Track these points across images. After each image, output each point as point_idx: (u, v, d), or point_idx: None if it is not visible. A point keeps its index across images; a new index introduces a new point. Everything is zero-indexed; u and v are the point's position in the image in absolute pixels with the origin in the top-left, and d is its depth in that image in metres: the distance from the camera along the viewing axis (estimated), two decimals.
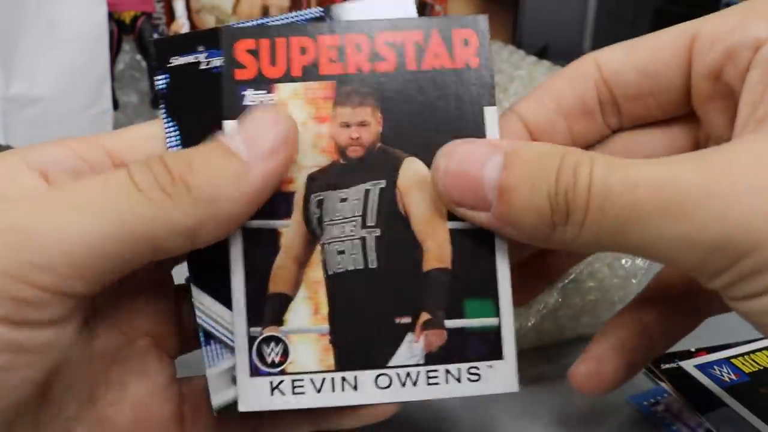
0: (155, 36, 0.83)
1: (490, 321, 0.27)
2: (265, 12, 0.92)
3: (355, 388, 0.26)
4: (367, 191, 0.26)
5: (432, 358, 0.26)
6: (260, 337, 0.26)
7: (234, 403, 0.26)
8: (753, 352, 0.42)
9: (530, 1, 1.08)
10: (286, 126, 0.24)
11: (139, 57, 0.91)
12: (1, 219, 0.19)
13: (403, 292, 0.26)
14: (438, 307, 0.26)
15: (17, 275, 0.18)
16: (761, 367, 0.40)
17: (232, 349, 0.26)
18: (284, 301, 0.26)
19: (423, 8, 0.86)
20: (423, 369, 0.26)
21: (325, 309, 0.26)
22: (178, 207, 0.20)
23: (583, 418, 0.36)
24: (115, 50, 0.81)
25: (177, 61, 0.27)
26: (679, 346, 0.43)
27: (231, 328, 0.25)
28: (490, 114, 0.27)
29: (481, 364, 0.26)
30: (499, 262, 0.26)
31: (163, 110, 0.27)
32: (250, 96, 0.26)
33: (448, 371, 0.26)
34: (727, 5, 1.15)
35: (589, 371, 0.29)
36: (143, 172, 0.21)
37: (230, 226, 0.23)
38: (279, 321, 0.26)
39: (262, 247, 0.26)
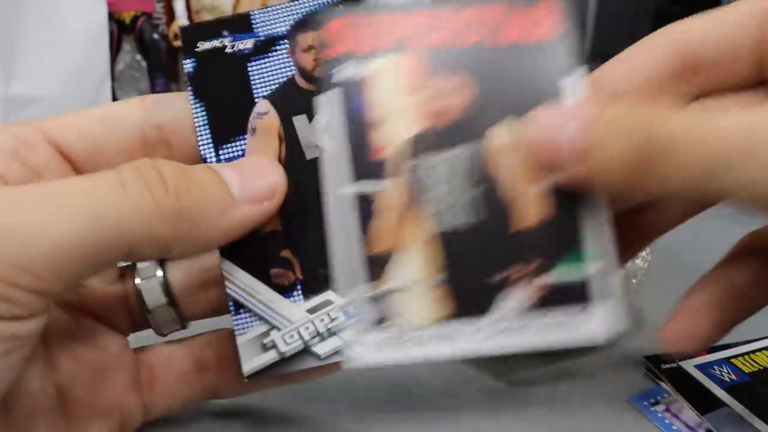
0: (155, 35, 0.83)
1: (581, 273, 0.28)
2: None
3: (455, 340, 0.27)
4: (460, 155, 0.28)
5: (529, 310, 0.28)
6: (369, 295, 0.27)
7: (263, 369, 0.26)
8: (753, 352, 0.42)
9: None
10: (277, 179, 0.25)
11: (139, 57, 0.91)
12: None
13: (499, 248, 0.28)
14: (529, 261, 0.28)
15: (7, 280, 0.18)
16: (761, 367, 0.40)
17: (260, 318, 0.27)
18: (387, 259, 0.27)
19: None
20: (519, 321, 0.28)
21: (433, 264, 0.27)
22: (164, 218, 0.21)
23: (584, 417, 0.36)
24: (115, 50, 0.81)
25: (203, 45, 0.27)
26: (664, 348, 0.43)
27: (259, 297, 0.26)
28: (572, 82, 0.29)
29: (571, 315, 0.28)
30: (591, 216, 0.28)
31: (191, 93, 0.28)
32: (343, 71, 0.27)
33: (542, 322, 0.28)
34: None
35: (683, 326, 0.30)
36: (135, 177, 0.21)
37: (201, 249, 0.25)
38: (384, 279, 0.27)
39: (358, 211, 0.27)
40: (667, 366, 0.40)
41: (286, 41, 0.28)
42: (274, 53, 0.27)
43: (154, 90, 0.85)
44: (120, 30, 0.82)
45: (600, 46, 2.04)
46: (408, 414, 0.35)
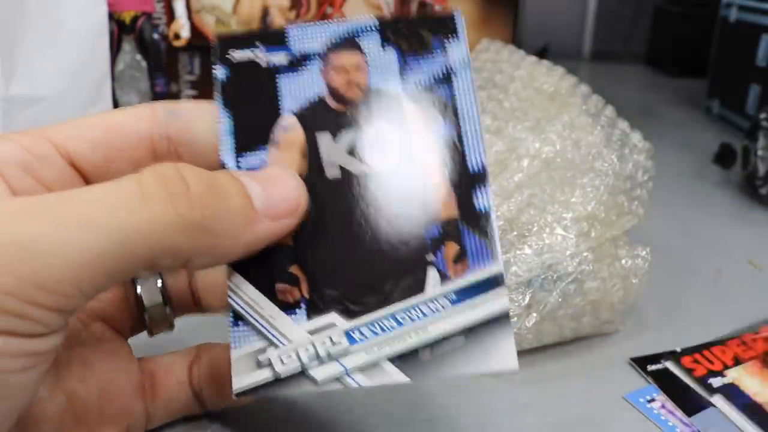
0: (155, 35, 0.83)
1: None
2: (266, 12, 0.92)
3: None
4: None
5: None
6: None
7: (254, 388, 0.25)
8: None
9: (530, 1, 1.08)
10: (300, 196, 0.24)
11: (139, 57, 0.91)
12: (1, 231, 0.18)
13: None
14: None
15: (21, 295, 0.18)
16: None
17: (259, 333, 0.26)
18: None
19: (423, 8, 0.86)
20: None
21: None
22: (185, 231, 0.20)
23: (582, 416, 0.36)
24: (115, 50, 0.81)
25: (236, 55, 0.28)
26: (664, 347, 0.43)
27: (261, 312, 0.26)
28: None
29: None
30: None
31: (219, 99, 0.28)
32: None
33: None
34: (728, 6, 1.15)
35: None
36: (157, 186, 0.20)
37: (219, 262, 0.24)
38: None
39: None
40: (653, 368, 0.40)
41: (318, 59, 0.28)
42: (305, 70, 0.28)
43: (153, 90, 0.85)
44: (120, 30, 0.82)
45: (600, 46, 2.04)
46: (409, 414, 0.35)
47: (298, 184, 0.25)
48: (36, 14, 0.70)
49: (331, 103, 0.27)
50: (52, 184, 0.23)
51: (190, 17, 0.91)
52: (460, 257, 0.26)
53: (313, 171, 0.27)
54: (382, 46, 0.29)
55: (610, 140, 0.48)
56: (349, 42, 0.29)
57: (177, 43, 0.90)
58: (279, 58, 0.28)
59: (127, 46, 0.89)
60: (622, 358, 0.42)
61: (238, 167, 0.26)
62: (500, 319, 0.26)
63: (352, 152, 0.27)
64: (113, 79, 0.79)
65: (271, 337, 0.26)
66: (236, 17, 0.94)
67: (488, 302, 0.26)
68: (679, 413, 0.36)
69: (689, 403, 0.36)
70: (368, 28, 0.29)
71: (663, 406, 0.36)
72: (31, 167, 0.23)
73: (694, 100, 1.32)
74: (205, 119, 0.27)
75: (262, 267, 0.26)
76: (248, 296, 0.26)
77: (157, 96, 0.85)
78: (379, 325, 0.26)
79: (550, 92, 0.51)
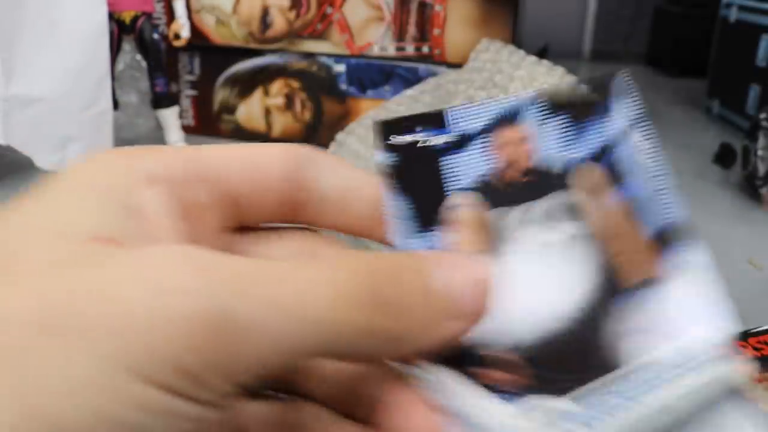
0: (155, 36, 0.83)
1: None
2: (265, 12, 0.92)
3: None
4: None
5: None
6: None
7: None
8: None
9: (530, 1, 1.08)
10: (490, 297, 0.21)
11: (139, 57, 0.91)
12: (211, 297, 0.16)
13: None
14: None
15: (223, 372, 0.16)
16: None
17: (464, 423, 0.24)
18: None
19: (423, 8, 0.87)
20: None
21: None
22: (370, 338, 0.18)
23: None
24: (115, 50, 0.81)
25: (398, 139, 0.27)
26: None
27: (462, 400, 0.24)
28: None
29: None
30: None
31: (387, 185, 0.27)
32: None
33: None
34: (728, 6, 1.14)
35: None
36: (351, 286, 0.18)
37: (390, 360, 0.21)
38: None
39: None
40: None
41: (480, 137, 0.27)
42: (469, 149, 0.27)
43: (154, 90, 0.85)
44: (120, 30, 0.81)
45: (600, 46, 2.04)
46: None
47: (486, 272, 0.21)
48: (36, 14, 0.70)
49: (499, 180, 0.27)
50: (208, 206, 0.21)
51: (190, 17, 0.91)
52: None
53: (488, 250, 0.26)
54: (546, 118, 0.28)
55: None
56: (511, 117, 0.28)
57: (177, 43, 0.90)
58: (441, 139, 0.27)
59: (127, 46, 0.89)
60: None
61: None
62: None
63: (524, 228, 0.26)
64: (113, 79, 0.79)
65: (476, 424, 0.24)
66: (236, 17, 0.94)
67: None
68: None
69: None
70: (529, 102, 0.28)
71: None
72: (182, 187, 0.21)
73: (694, 100, 1.32)
74: (342, 176, 0.24)
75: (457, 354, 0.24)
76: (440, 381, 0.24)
77: (157, 96, 0.85)
78: (600, 403, 0.24)
79: None
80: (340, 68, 0.92)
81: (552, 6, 1.98)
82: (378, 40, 0.89)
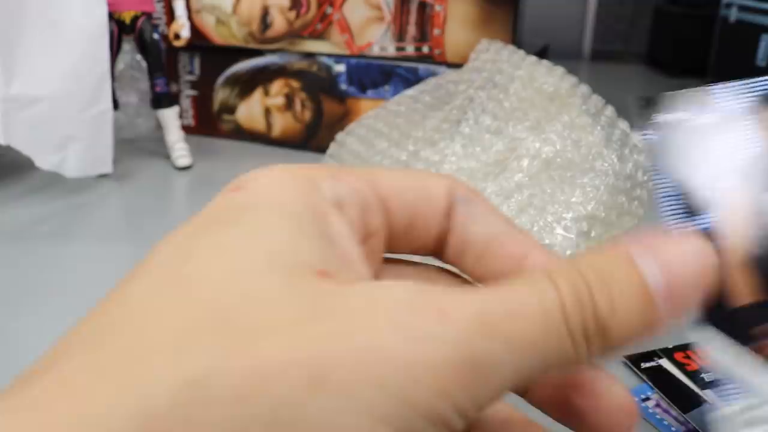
0: (155, 36, 0.83)
1: None
2: (265, 12, 0.92)
3: None
4: None
5: None
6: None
7: None
8: None
9: (530, 1, 1.08)
10: (707, 268, 0.19)
11: (139, 57, 0.91)
12: (462, 343, 0.15)
13: None
14: None
15: (466, 412, 0.16)
16: None
17: (742, 391, 0.24)
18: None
19: (423, 8, 0.86)
20: None
21: None
22: (581, 358, 0.17)
23: None
24: (115, 50, 0.81)
25: (664, 117, 0.27)
26: (658, 344, 0.43)
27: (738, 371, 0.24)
28: None
29: None
30: None
31: (652, 162, 0.26)
32: None
33: None
34: (728, 6, 1.14)
35: None
36: (573, 313, 0.17)
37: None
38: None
39: None
40: (647, 365, 0.40)
41: (748, 116, 0.27)
42: (737, 129, 0.27)
43: (154, 90, 0.85)
44: (120, 30, 0.81)
45: (600, 47, 2.04)
46: None
47: (701, 250, 0.19)
48: (36, 14, 0.70)
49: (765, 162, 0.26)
50: (378, 232, 0.20)
51: (190, 17, 0.91)
52: None
53: (762, 230, 0.26)
54: None
55: (610, 140, 0.48)
56: None
57: (177, 43, 0.90)
58: (707, 118, 0.27)
59: (127, 46, 0.89)
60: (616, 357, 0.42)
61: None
62: None
63: None
64: (113, 79, 0.79)
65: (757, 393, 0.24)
66: (236, 17, 0.94)
67: None
68: (674, 411, 0.36)
69: (684, 400, 0.36)
70: None
71: (658, 405, 0.36)
72: (365, 213, 0.19)
73: None
74: (491, 224, 0.22)
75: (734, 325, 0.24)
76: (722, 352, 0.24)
77: (157, 96, 0.85)
78: None
79: (550, 92, 0.51)
80: (340, 68, 0.92)
81: (552, 6, 1.98)
82: (378, 40, 0.89)
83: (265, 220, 0.16)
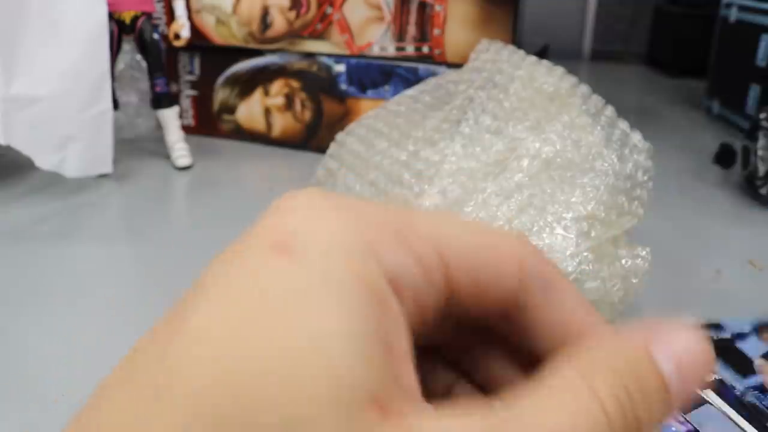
0: (155, 36, 0.83)
1: None
2: (265, 12, 0.92)
3: None
4: None
5: None
6: None
7: None
8: None
9: (530, 1, 1.08)
10: (709, 365, 0.17)
11: (139, 57, 0.91)
12: None
13: None
14: None
15: None
16: None
17: None
18: None
19: (423, 8, 0.87)
20: None
21: None
22: None
23: None
24: (115, 50, 0.81)
25: None
26: None
27: None
28: None
29: None
30: None
31: None
32: None
33: None
34: (728, 6, 1.14)
35: None
36: (616, 410, 0.17)
37: None
38: None
39: None
40: None
41: None
42: None
43: (154, 89, 0.85)
44: (120, 30, 0.81)
45: (600, 46, 2.04)
46: None
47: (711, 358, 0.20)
48: (36, 14, 0.70)
49: None
50: (427, 310, 0.17)
51: (190, 17, 0.91)
52: None
53: None
54: None
55: (610, 140, 0.48)
56: None
57: (177, 43, 0.90)
58: None
59: (127, 46, 0.89)
60: None
61: None
62: None
63: None
64: (113, 79, 0.79)
65: None
66: (236, 17, 0.94)
67: None
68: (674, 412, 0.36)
69: None
70: None
71: None
72: (421, 292, 0.17)
73: (694, 100, 1.32)
74: (569, 312, 0.19)
75: None
76: None
77: (157, 96, 0.85)
78: None
79: (550, 92, 0.51)
80: (340, 68, 0.92)
81: (552, 6, 1.98)
82: (378, 40, 0.89)
83: (319, 316, 0.14)
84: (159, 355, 0.14)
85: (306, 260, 0.14)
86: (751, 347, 0.43)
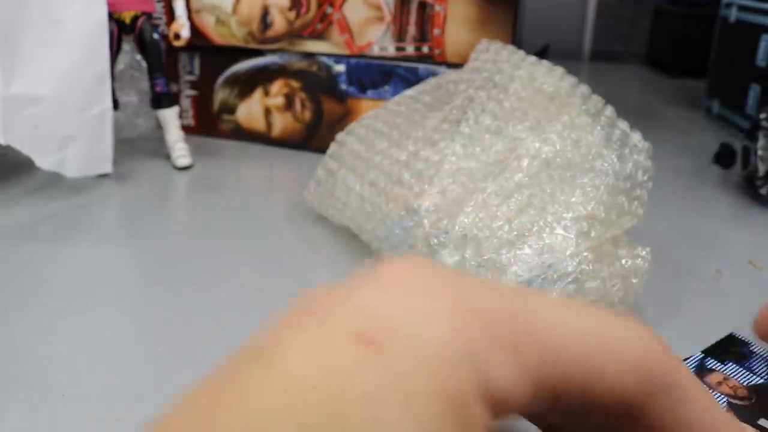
0: (155, 36, 0.83)
1: None
2: (265, 12, 0.92)
3: None
4: None
5: None
6: None
7: None
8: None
9: (530, 1, 1.08)
10: None
11: (139, 57, 0.91)
12: None
13: None
14: None
15: None
16: None
17: None
18: None
19: (423, 8, 0.87)
20: None
21: None
22: None
23: None
24: (115, 50, 0.81)
25: None
26: None
27: None
28: None
29: None
30: None
31: None
32: None
33: None
34: (728, 6, 1.14)
35: None
36: None
37: None
38: None
39: None
40: None
41: None
42: None
43: (154, 89, 0.85)
44: (120, 30, 0.81)
45: (600, 46, 2.04)
46: None
47: None
48: (36, 14, 0.70)
49: None
50: (523, 415, 0.16)
51: (190, 17, 0.91)
52: None
53: None
54: None
55: (610, 140, 0.48)
56: None
57: (177, 43, 0.90)
58: None
59: (127, 46, 0.89)
60: None
61: None
62: None
63: None
64: (113, 79, 0.79)
65: None
66: (236, 17, 0.94)
67: None
68: None
69: None
70: None
71: None
72: (521, 404, 0.15)
73: (694, 100, 1.32)
74: (705, 419, 0.17)
75: None
76: None
77: (157, 96, 0.85)
78: None
79: (549, 92, 0.51)
80: (340, 68, 0.92)
81: (552, 6, 1.98)
82: (378, 40, 0.89)
83: (380, 426, 0.12)
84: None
85: (391, 360, 0.12)
86: None
